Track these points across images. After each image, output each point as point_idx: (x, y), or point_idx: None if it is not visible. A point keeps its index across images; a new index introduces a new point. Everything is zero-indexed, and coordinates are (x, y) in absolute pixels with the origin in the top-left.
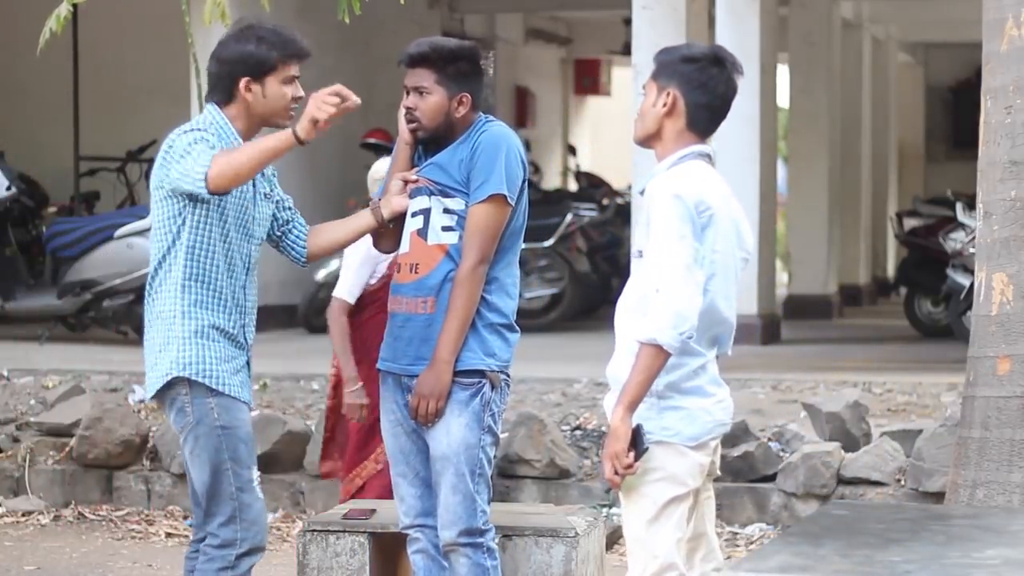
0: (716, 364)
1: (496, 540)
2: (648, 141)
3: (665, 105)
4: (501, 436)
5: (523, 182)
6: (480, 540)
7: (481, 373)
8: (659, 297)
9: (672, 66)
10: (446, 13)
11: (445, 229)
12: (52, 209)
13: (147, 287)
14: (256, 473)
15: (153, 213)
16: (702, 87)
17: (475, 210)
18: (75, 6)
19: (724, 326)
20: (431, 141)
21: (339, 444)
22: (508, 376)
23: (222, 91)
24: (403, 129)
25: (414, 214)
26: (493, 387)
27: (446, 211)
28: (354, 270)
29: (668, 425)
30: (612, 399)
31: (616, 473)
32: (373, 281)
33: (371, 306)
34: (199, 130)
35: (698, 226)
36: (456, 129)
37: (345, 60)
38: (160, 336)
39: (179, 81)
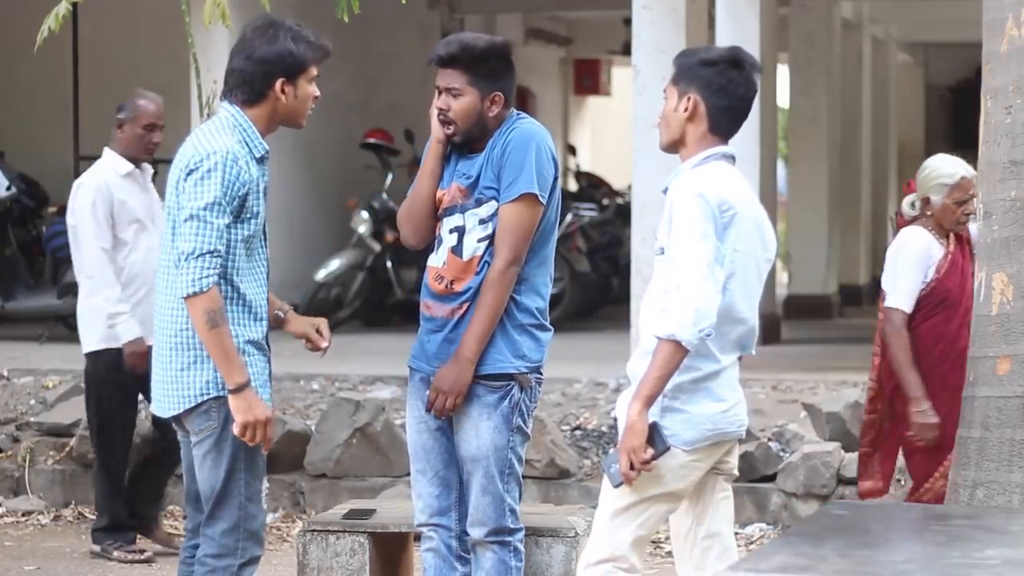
0: (736, 368)
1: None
2: (673, 146)
3: (687, 110)
4: None
5: (554, 180)
6: (508, 539)
7: (510, 376)
8: (679, 294)
9: (691, 70)
10: (446, 13)
11: (481, 240)
12: (52, 209)
13: (161, 294)
14: (266, 485)
15: (168, 222)
16: (722, 90)
17: (506, 210)
18: (75, 5)
19: (744, 327)
20: (465, 142)
21: (879, 461)
22: (540, 375)
23: (251, 91)
24: (436, 128)
25: (450, 231)
26: (522, 388)
27: (481, 222)
28: (907, 276)
29: (667, 426)
30: (628, 396)
31: (632, 468)
32: (924, 284)
33: (922, 311)
34: (212, 165)
35: (720, 225)
36: (489, 128)
37: (345, 60)
38: (188, 352)
39: (179, 81)
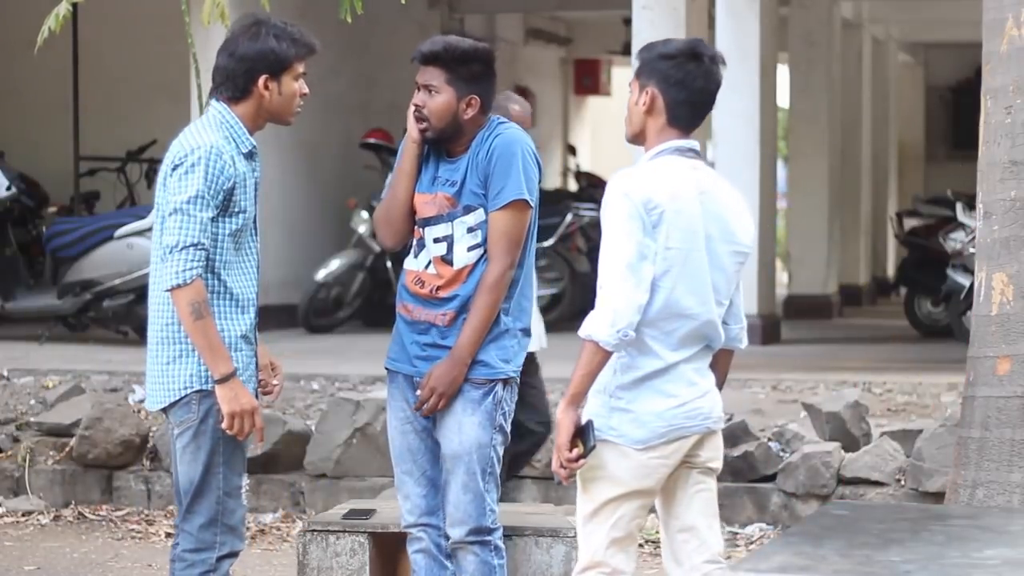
0: (697, 362)
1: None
2: (636, 139)
3: (645, 104)
4: None
5: (538, 183)
6: (488, 539)
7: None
8: (601, 294)
9: (651, 64)
10: (446, 13)
11: (471, 248)
12: (52, 209)
13: (152, 289)
14: (246, 481)
15: (157, 217)
16: (680, 84)
17: (496, 217)
18: (75, 6)
19: (694, 322)
20: (438, 141)
21: None
22: (518, 373)
23: (235, 88)
24: (411, 127)
25: (436, 240)
26: (504, 386)
27: (469, 230)
28: None
29: (614, 426)
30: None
31: (562, 467)
32: None
33: None
34: (196, 160)
35: (648, 224)
36: (464, 131)
37: (345, 60)
38: (174, 346)
39: (179, 81)
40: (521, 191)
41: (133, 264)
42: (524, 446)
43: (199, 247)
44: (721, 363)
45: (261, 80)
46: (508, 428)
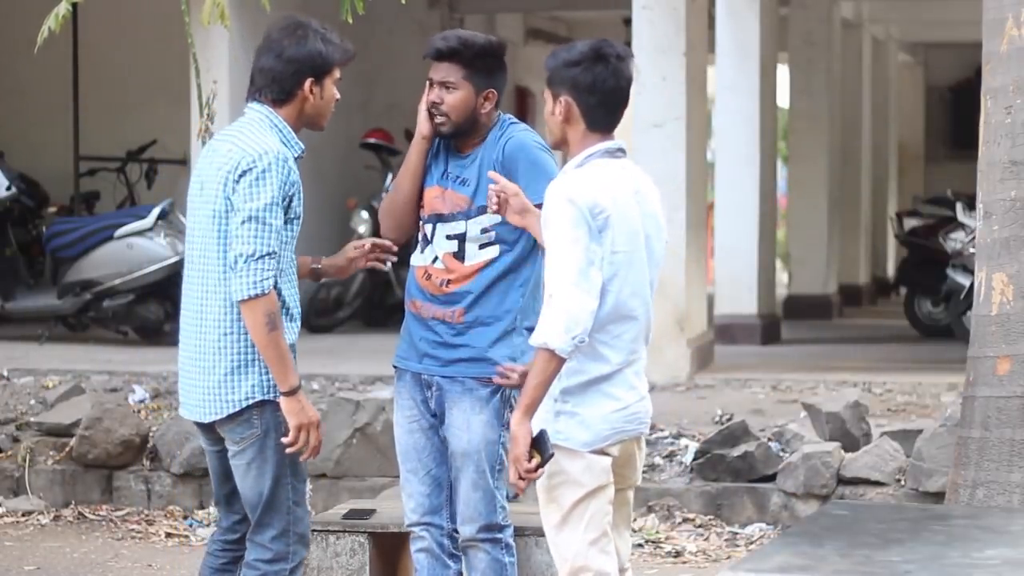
0: (638, 365)
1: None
2: (560, 147)
3: (561, 113)
4: None
5: None
6: (499, 536)
7: None
8: (552, 301)
9: (559, 72)
10: (446, 13)
11: (483, 247)
12: (52, 209)
13: (198, 298)
14: (309, 487)
15: (213, 225)
16: (590, 88)
17: None
18: (75, 5)
19: (639, 324)
20: (455, 136)
21: None
22: None
23: (280, 90)
24: (422, 123)
25: (448, 237)
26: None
27: (483, 231)
28: None
29: (561, 430)
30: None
31: (520, 478)
32: None
33: None
34: (266, 166)
35: (594, 229)
36: (479, 125)
37: None
38: (233, 357)
39: (179, 81)
40: (542, 195)
41: (133, 264)
42: None
43: (273, 255)
44: None
45: (307, 83)
46: None
